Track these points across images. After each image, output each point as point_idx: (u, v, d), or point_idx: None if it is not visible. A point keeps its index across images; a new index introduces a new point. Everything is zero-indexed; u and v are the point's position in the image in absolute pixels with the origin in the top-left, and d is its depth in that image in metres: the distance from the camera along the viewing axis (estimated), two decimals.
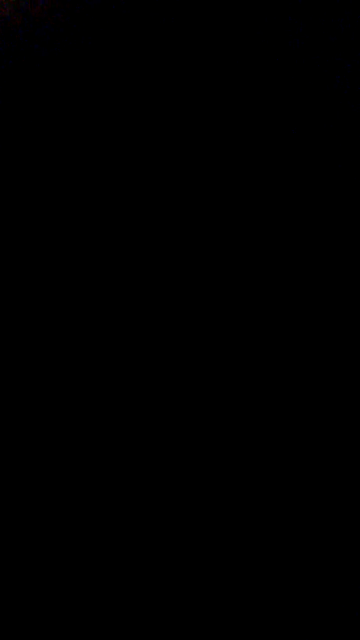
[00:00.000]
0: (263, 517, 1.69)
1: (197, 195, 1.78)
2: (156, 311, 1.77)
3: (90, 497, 1.73)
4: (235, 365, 1.74)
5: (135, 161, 1.80)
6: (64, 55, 1.78)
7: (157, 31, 1.78)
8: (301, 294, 1.75)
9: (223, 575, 1.68)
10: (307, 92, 1.77)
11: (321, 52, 1.77)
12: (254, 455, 1.71)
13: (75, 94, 1.81)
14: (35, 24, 1.75)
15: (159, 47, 1.78)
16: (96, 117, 1.81)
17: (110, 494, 1.72)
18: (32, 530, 1.72)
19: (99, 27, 1.78)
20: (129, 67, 1.80)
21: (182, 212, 1.79)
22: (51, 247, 1.81)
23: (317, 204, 1.76)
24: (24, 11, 1.74)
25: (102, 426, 1.75)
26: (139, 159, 1.80)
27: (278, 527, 1.68)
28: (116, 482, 1.73)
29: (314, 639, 1.63)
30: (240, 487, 1.70)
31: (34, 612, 1.69)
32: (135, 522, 1.71)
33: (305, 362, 1.73)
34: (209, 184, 1.78)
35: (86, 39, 1.78)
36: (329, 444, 1.70)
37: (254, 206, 1.77)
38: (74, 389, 1.77)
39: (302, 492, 1.69)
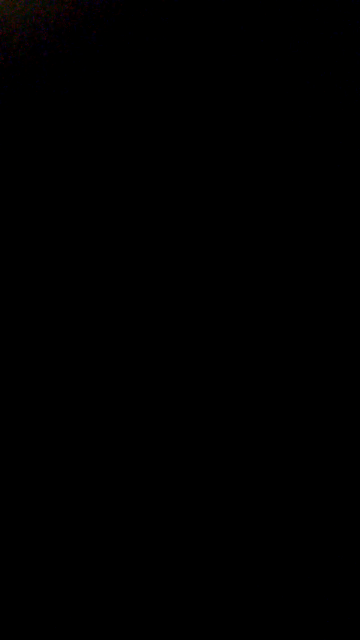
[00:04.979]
0: (263, 517, 1.69)
1: (197, 197, 1.78)
2: (156, 311, 1.77)
3: (90, 497, 1.73)
4: (235, 364, 1.74)
5: (136, 163, 1.80)
6: (64, 58, 1.78)
7: (158, 34, 1.77)
8: (300, 293, 1.75)
9: (223, 575, 1.68)
10: (307, 92, 1.77)
11: (321, 51, 1.77)
12: (254, 455, 1.71)
13: (77, 95, 1.81)
14: (36, 25, 1.75)
15: (159, 50, 1.78)
16: (98, 118, 1.81)
17: (110, 494, 1.73)
18: (32, 530, 1.73)
19: (100, 29, 1.78)
20: (130, 69, 1.80)
21: (182, 214, 1.79)
22: (52, 248, 1.81)
23: (316, 204, 1.76)
24: (25, 13, 1.74)
25: (102, 426, 1.75)
26: (141, 161, 1.80)
27: (278, 526, 1.68)
28: (116, 482, 1.73)
29: (314, 638, 1.63)
30: (240, 487, 1.70)
31: (33, 612, 1.70)
32: (135, 522, 1.72)
33: (305, 361, 1.73)
34: (209, 185, 1.78)
35: (87, 40, 1.78)
36: (328, 443, 1.70)
37: (253, 207, 1.77)
38: (73, 388, 1.77)
39: (302, 492, 1.69)
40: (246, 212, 1.77)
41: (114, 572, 1.70)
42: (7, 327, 1.80)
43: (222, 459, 1.72)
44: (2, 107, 1.81)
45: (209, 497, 1.71)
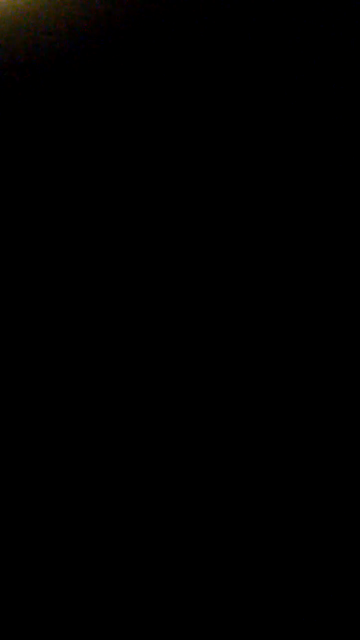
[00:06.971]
0: (263, 517, 1.69)
1: (197, 197, 1.79)
2: (156, 311, 1.78)
3: (90, 497, 1.73)
4: (235, 365, 1.75)
5: (136, 163, 1.80)
6: (65, 58, 1.78)
7: (158, 34, 1.78)
8: (301, 293, 1.75)
9: (223, 575, 1.68)
10: (307, 93, 1.77)
11: (322, 51, 1.77)
12: (254, 455, 1.71)
13: (76, 94, 1.81)
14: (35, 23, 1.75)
15: (159, 50, 1.78)
16: (97, 117, 1.81)
17: (110, 494, 1.73)
18: (32, 530, 1.73)
19: (100, 28, 1.78)
20: (130, 70, 1.80)
21: (182, 213, 1.79)
22: (51, 247, 1.81)
23: (316, 204, 1.77)
24: (23, 10, 1.74)
25: (102, 426, 1.75)
26: (141, 161, 1.80)
27: (278, 526, 1.69)
28: (116, 482, 1.73)
29: (314, 638, 1.63)
30: (240, 487, 1.71)
31: (33, 612, 1.70)
32: (135, 521, 1.72)
33: (305, 362, 1.73)
34: (209, 185, 1.79)
35: (88, 40, 1.78)
36: (329, 443, 1.70)
37: (253, 208, 1.78)
38: (73, 388, 1.77)
39: (302, 492, 1.69)
40: (246, 212, 1.78)
41: (114, 572, 1.70)
42: (7, 327, 1.80)
43: (222, 458, 1.72)
44: (3, 106, 1.81)
45: (208, 496, 1.71)
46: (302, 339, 1.74)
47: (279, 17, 1.77)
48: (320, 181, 1.77)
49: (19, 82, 1.79)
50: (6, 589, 1.70)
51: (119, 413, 1.75)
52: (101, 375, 1.77)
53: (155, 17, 1.78)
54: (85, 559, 1.71)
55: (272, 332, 1.75)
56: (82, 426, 1.75)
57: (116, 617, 1.68)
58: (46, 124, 1.81)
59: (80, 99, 1.80)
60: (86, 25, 1.76)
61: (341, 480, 1.68)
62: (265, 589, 1.66)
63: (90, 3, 1.74)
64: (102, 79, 1.80)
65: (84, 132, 1.80)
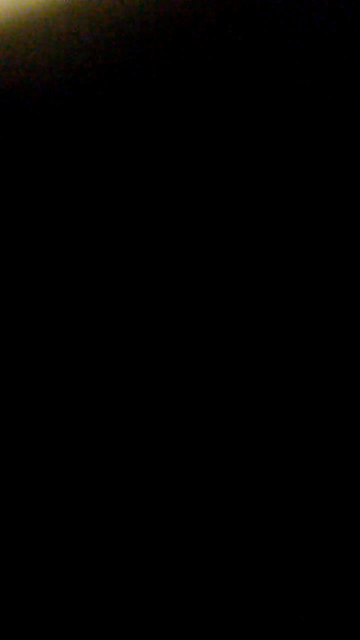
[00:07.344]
0: (263, 518, 1.69)
1: (197, 200, 1.79)
2: (156, 312, 1.77)
3: (89, 498, 1.73)
4: (235, 366, 1.74)
5: (137, 167, 1.80)
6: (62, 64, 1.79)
7: (159, 45, 1.78)
8: (301, 295, 1.75)
9: (223, 576, 1.68)
10: (308, 96, 1.77)
11: (323, 55, 1.77)
12: (254, 456, 1.71)
13: (75, 100, 1.81)
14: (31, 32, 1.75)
15: (159, 52, 1.78)
16: (96, 120, 1.81)
17: (109, 494, 1.73)
18: (32, 530, 1.73)
19: (101, 34, 1.78)
20: (130, 69, 1.80)
21: (182, 215, 1.79)
22: (51, 249, 1.81)
23: (317, 208, 1.76)
24: (19, 19, 1.75)
25: (101, 427, 1.75)
26: (142, 165, 1.80)
27: (278, 527, 1.68)
28: (116, 482, 1.73)
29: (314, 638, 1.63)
30: (240, 487, 1.70)
31: (33, 612, 1.70)
32: (135, 522, 1.71)
33: (306, 364, 1.73)
34: (209, 189, 1.79)
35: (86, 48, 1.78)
36: (328, 444, 1.70)
37: (253, 212, 1.77)
38: (73, 389, 1.77)
39: (302, 493, 1.69)
40: (246, 214, 1.77)
41: (114, 572, 1.70)
42: (7, 328, 1.80)
43: (222, 459, 1.71)
44: (3, 113, 1.81)
45: (208, 497, 1.71)
46: (303, 340, 1.74)
47: (279, 17, 1.77)
48: (320, 182, 1.76)
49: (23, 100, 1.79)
50: (6, 589, 1.70)
51: (119, 413, 1.75)
52: (101, 375, 1.77)
53: (157, 24, 1.78)
54: (85, 558, 1.71)
55: (273, 332, 1.74)
56: (82, 426, 1.75)
57: (116, 617, 1.68)
58: (50, 143, 1.81)
59: (81, 103, 1.80)
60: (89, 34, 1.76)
61: (341, 480, 1.68)
62: (265, 589, 1.66)
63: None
64: (104, 83, 1.80)
65: (84, 134, 1.80)
